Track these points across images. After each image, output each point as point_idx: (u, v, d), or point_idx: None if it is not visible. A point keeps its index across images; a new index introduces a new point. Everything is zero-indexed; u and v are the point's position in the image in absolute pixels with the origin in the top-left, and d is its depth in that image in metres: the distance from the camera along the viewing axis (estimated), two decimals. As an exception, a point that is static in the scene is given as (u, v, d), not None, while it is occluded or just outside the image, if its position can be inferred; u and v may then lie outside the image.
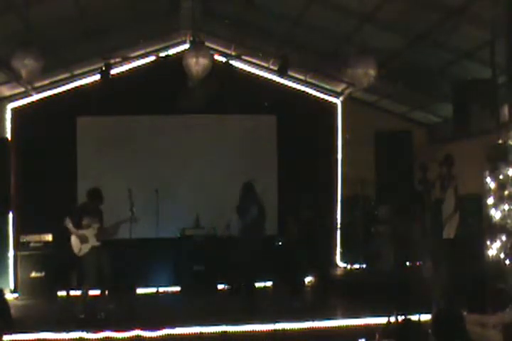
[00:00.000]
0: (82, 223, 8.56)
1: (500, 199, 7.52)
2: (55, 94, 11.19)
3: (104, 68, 9.90)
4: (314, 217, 9.90)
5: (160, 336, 7.44)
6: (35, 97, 11.12)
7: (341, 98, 12.06)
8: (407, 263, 10.07)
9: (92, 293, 8.71)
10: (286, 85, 11.72)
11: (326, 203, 11.67)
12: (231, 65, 10.45)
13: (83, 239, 8.51)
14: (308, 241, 9.68)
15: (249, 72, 11.72)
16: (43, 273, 10.32)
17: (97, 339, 7.35)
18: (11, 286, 10.67)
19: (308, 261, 9.99)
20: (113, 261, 8.71)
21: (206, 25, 10.08)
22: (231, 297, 10.26)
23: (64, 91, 11.20)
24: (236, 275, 10.10)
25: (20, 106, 11.11)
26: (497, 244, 7.56)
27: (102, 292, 8.74)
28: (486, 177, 7.79)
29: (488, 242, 7.64)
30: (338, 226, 11.90)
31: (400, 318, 6.52)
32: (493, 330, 5.99)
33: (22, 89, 10.79)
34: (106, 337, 7.35)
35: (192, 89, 9.84)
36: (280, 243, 11.23)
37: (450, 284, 7.73)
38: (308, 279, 10.65)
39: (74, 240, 8.54)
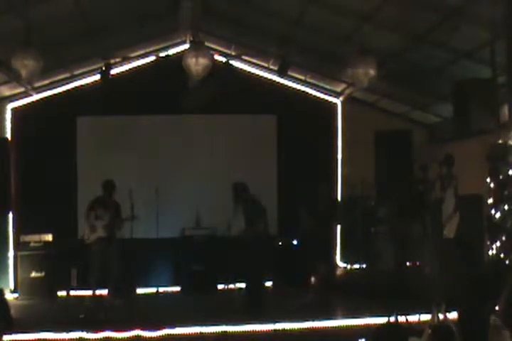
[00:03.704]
0: (96, 214, 8.95)
1: (500, 199, 7.52)
2: (55, 94, 11.19)
3: (104, 68, 9.90)
4: (321, 216, 9.88)
5: (160, 336, 7.43)
6: (35, 97, 11.12)
7: (341, 98, 12.06)
8: (407, 263, 10.07)
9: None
10: (286, 85, 11.71)
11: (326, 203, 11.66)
12: (231, 64, 10.45)
13: (92, 229, 8.93)
14: (311, 241, 9.70)
15: (249, 72, 11.71)
16: (42, 273, 10.31)
17: (97, 339, 7.34)
18: (11, 286, 10.68)
19: (309, 261, 10.00)
20: (120, 256, 8.84)
21: (206, 25, 10.07)
22: (232, 297, 10.25)
23: (64, 91, 11.21)
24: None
25: (20, 106, 11.11)
26: (497, 244, 7.56)
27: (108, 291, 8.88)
28: (486, 177, 7.80)
29: (488, 242, 7.64)
30: (338, 226, 11.89)
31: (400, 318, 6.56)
32: None
33: (22, 89, 10.79)
34: (106, 337, 7.35)
35: (192, 89, 9.84)
36: (280, 243, 11.25)
37: (450, 284, 7.73)
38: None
39: (86, 230, 9.04)
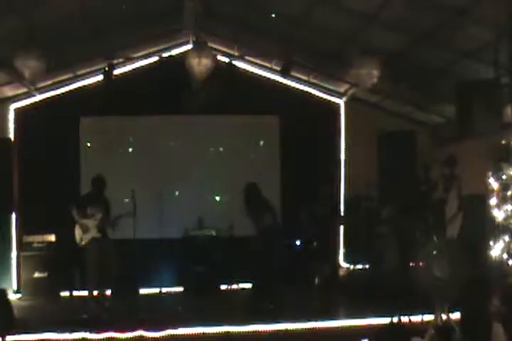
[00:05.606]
0: (87, 213, 8.67)
1: (503, 200, 7.53)
2: (58, 95, 11.20)
3: (107, 68, 9.92)
4: (328, 216, 9.86)
5: (163, 336, 7.44)
6: (38, 98, 11.13)
7: (344, 98, 12.05)
8: (410, 264, 10.04)
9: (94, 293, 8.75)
10: (289, 85, 11.70)
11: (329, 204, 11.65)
12: (234, 65, 10.45)
13: (85, 229, 8.63)
14: (314, 241, 9.67)
15: (251, 72, 11.71)
16: (45, 274, 10.30)
17: (100, 339, 7.36)
18: (14, 287, 10.68)
19: (312, 261, 9.96)
20: (117, 256, 8.75)
21: (209, 26, 10.07)
22: (235, 297, 10.25)
23: (67, 92, 11.21)
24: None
25: (23, 107, 11.12)
26: (500, 245, 7.56)
27: (101, 291, 8.78)
28: (489, 178, 7.80)
29: (491, 242, 7.64)
30: (341, 227, 11.88)
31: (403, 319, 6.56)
32: None
33: (25, 90, 10.80)
34: (109, 338, 7.36)
35: (194, 89, 9.84)
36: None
37: (453, 284, 7.72)
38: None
39: (77, 230, 8.67)
